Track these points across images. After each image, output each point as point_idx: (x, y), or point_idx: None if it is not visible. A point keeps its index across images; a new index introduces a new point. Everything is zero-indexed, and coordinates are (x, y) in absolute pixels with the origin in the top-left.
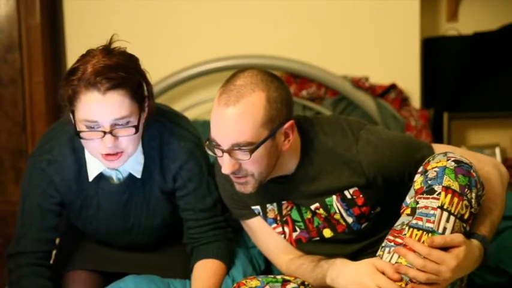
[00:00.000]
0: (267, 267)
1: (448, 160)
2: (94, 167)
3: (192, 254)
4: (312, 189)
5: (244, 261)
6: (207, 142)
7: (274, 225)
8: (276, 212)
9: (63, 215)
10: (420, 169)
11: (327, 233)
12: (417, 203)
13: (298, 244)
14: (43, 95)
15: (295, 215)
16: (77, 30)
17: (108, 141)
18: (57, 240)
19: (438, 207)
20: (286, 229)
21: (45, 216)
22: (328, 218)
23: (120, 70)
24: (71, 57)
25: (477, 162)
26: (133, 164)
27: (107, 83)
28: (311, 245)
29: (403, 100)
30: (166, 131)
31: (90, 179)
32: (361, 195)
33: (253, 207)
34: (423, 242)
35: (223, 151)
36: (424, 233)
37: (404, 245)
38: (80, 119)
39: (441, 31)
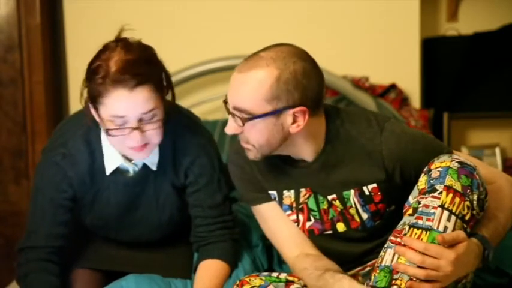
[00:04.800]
0: (269, 268)
1: (452, 161)
2: (112, 160)
3: (198, 253)
4: (332, 177)
5: (247, 260)
6: (226, 98)
7: (289, 212)
8: (293, 199)
9: (73, 211)
10: (425, 169)
11: (340, 227)
12: (419, 202)
13: (310, 236)
14: (43, 95)
15: (311, 203)
16: (77, 30)
17: (135, 137)
18: None
19: (439, 206)
20: (301, 217)
21: (57, 211)
22: (343, 211)
23: (144, 64)
24: (71, 57)
25: (491, 175)
26: (150, 156)
27: (133, 80)
28: (322, 239)
29: (403, 100)
30: (179, 125)
31: (108, 172)
32: (379, 193)
33: (270, 192)
34: (422, 240)
35: (228, 111)
36: (424, 231)
37: (404, 245)
38: (106, 115)
39: (441, 31)
